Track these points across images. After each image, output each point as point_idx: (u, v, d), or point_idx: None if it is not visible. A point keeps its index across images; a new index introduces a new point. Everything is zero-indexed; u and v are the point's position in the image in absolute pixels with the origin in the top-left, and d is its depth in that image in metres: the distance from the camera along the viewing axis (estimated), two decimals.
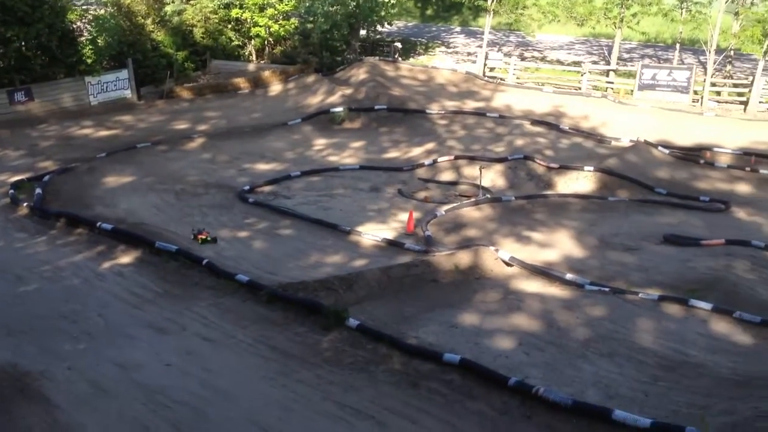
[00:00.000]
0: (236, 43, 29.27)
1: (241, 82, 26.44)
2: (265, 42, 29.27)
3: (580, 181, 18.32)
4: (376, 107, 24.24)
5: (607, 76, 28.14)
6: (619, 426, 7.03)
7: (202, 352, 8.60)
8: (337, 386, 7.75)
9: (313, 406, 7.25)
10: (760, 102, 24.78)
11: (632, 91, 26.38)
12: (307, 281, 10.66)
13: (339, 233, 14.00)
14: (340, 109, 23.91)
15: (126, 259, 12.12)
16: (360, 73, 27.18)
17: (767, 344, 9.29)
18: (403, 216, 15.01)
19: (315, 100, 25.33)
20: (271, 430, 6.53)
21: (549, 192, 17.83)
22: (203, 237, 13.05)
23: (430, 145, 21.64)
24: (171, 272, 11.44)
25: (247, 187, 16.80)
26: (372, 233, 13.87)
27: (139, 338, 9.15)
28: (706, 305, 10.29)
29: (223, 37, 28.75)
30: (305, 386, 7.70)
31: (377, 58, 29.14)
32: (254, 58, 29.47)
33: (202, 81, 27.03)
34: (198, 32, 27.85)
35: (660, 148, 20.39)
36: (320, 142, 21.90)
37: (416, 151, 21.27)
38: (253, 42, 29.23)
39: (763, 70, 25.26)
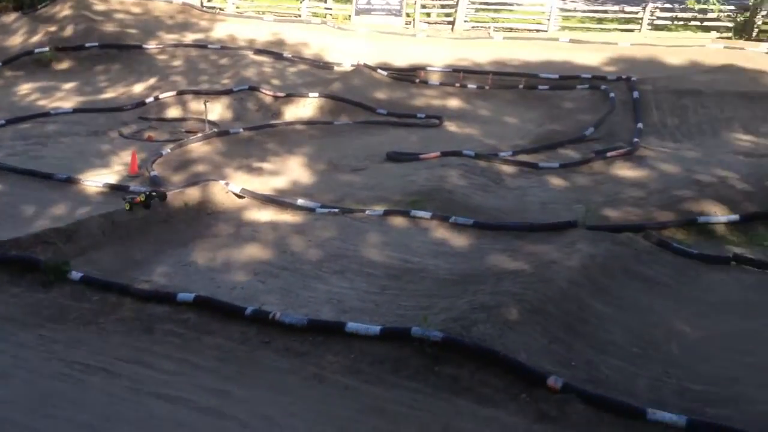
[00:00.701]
0: None
1: None
2: None
3: (306, 108, 18.62)
4: (88, 45, 22.47)
5: (326, 2, 28.51)
6: (353, 336, 7.33)
7: None
8: (61, 344, 7.27)
9: (36, 368, 6.75)
10: (465, 21, 26.60)
11: (350, 16, 27.01)
12: (19, 238, 9.74)
13: (56, 183, 12.94)
14: (46, 49, 21.89)
15: None
16: (65, 9, 24.87)
17: (479, 243, 10.18)
18: (127, 158, 14.24)
19: (16, 42, 22.98)
20: None
21: (277, 121, 17.89)
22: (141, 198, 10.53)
23: (151, 82, 20.69)
24: None
25: None
26: (93, 179, 13.02)
27: None
28: (425, 214, 11.01)
29: None
30: (26, 349, 7.13)
31: None
32: None
33: None
34: None
35: (379, 70, 21.19)
36: (26, 87, 19.98)
37: (137, 89, 20.22)
38: None
39: None
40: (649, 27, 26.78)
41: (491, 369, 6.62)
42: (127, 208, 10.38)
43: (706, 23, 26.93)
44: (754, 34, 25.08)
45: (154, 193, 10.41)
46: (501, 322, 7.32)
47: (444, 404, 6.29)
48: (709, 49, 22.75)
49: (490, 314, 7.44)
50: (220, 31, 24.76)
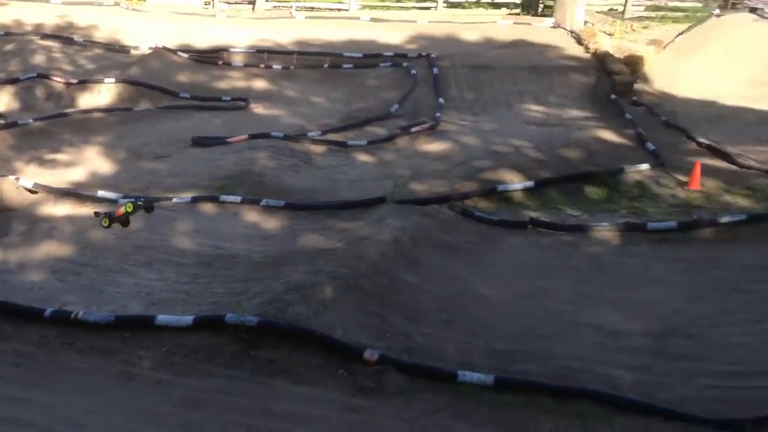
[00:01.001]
0: None
1: None
2: None
3: (103, 95, 17.61)
4: None
5: None
6: (164, 329, 7.08)
7: None
8: None
9: None
10: (266, 1, 26.26)
11: None
12: None
13: None
14: None
15: None
16: None
17: (291, 224, 10.17)
18: None
19: None
20: None
21: (71, 110, 16.82)
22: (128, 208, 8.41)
23: None
24: None
25: None
26: None
27: None
28: (235, 198, 10.83)
29: None
30: None
31: None
32: None
33: None
34: None
35: (179, 53, 20.42)
36: None
37: None
38: None
39: None
40: (445, 5, 27.75)
41: (308, 348, 6.65)
42: (106, 225, 8.63)
43: (496, 0, 28.36)
44: (540, 9, 26.68)
45: (140, 202, 8.46)
46: (316, 301, 7.36)
47: (262, 387, 6.24)
48: (500, 25, 23.95)
49: (305, 294, 7.45)
50: (1, 16, 22.77)
